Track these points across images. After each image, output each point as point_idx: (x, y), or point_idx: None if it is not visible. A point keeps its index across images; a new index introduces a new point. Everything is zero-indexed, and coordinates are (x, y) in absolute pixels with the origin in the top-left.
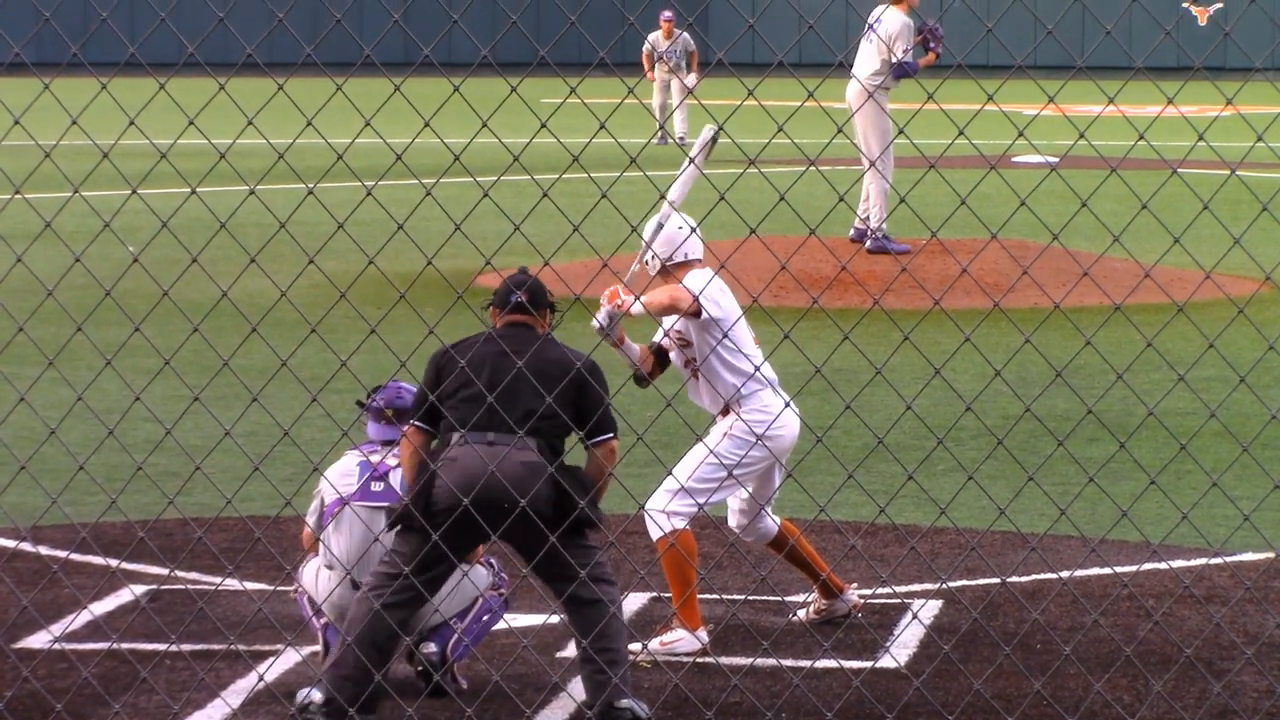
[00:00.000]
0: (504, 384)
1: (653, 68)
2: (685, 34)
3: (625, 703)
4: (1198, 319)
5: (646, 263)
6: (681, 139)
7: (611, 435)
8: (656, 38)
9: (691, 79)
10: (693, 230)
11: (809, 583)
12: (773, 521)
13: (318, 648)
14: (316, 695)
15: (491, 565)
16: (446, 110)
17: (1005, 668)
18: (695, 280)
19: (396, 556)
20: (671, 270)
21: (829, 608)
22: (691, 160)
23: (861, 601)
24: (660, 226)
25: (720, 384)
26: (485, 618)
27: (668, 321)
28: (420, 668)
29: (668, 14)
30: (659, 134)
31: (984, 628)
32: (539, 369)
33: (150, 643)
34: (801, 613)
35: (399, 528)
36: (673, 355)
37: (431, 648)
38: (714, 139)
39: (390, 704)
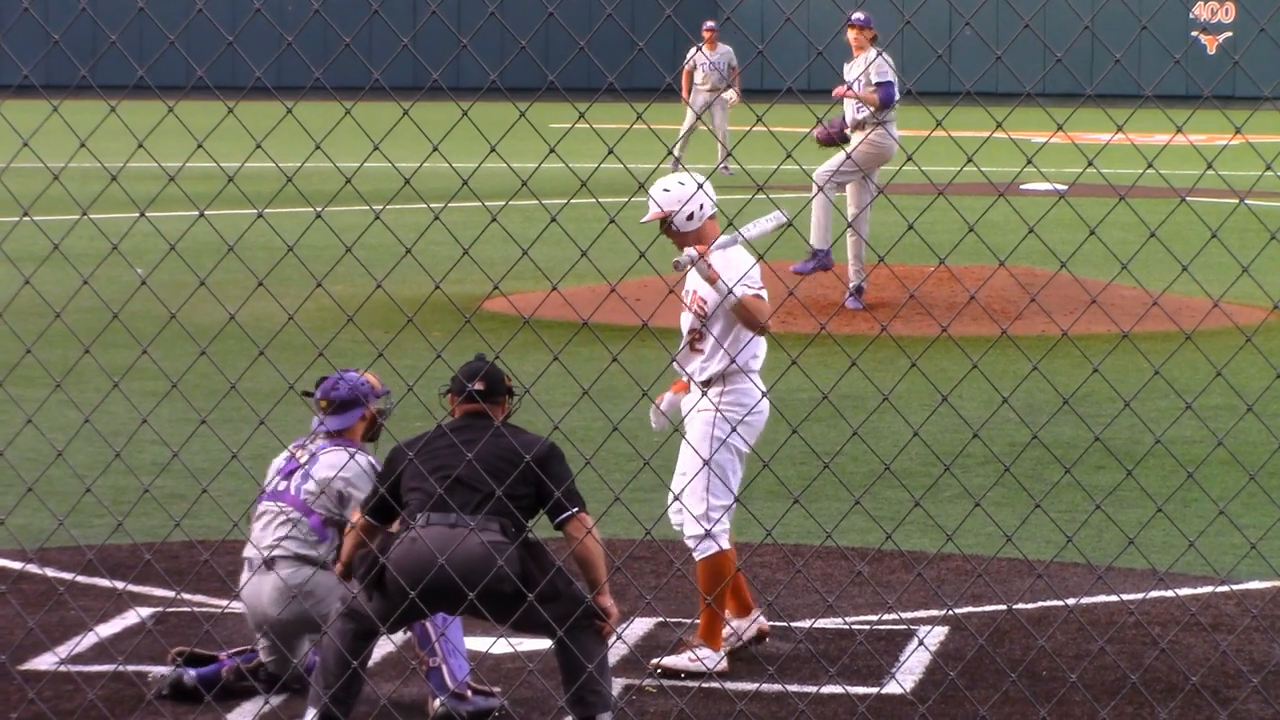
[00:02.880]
0: (464, 469)
1: (690, 89)
2: (729, 48)
3: None
4: (1205, 347)
5: (693, 216)
6: (726, 169)
7: (577, 509)
8: (699, 52)
9: (732, 94)
10: (699, 187)
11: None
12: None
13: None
14: (310, 718)
15: None
16: (455, 135)
17: (1011, 695)
18: (738, 264)
19: (361, 603)
20: (706, 225)
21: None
22: (739, 233)
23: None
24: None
25: (720, 358)
26: (448, 629)
27: (703, 290)
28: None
29: (710, 24)
30: (673, 160)
31: (990, 654)
32: (498, 455)
33: (156, 665)
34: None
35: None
36: (684, 317)
37: (445, 703)
38: (782, 225)
39: None
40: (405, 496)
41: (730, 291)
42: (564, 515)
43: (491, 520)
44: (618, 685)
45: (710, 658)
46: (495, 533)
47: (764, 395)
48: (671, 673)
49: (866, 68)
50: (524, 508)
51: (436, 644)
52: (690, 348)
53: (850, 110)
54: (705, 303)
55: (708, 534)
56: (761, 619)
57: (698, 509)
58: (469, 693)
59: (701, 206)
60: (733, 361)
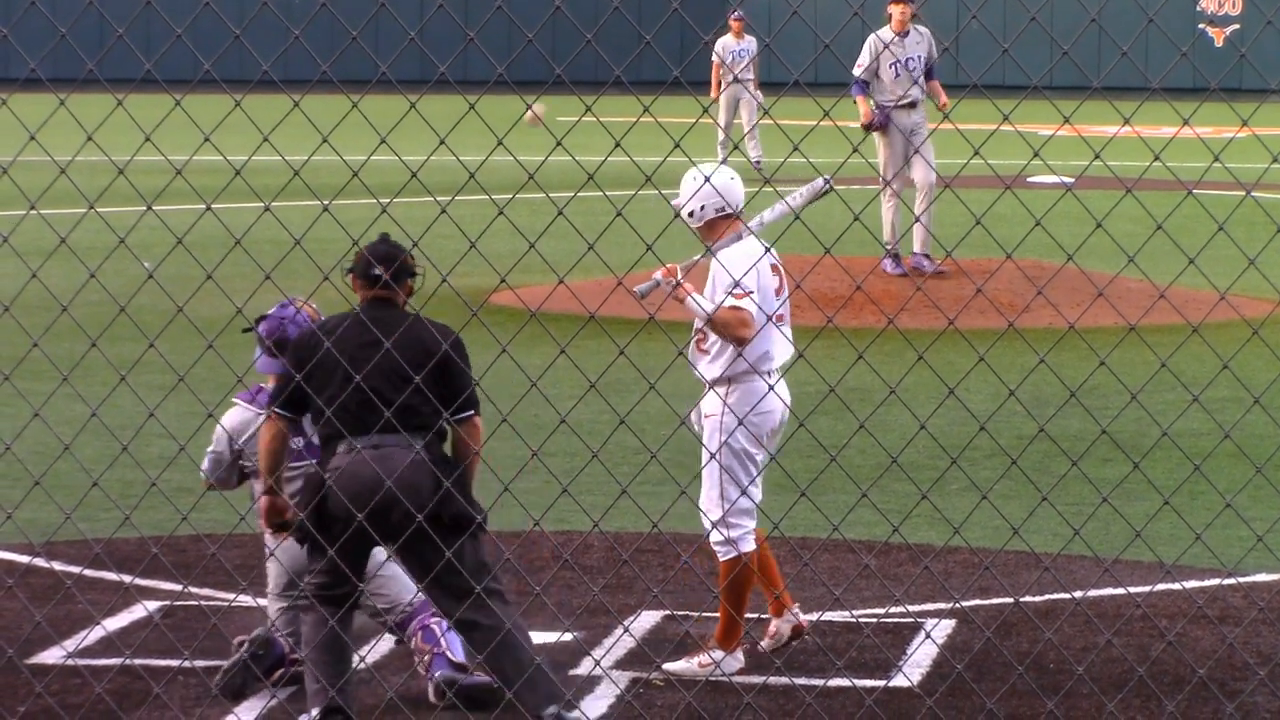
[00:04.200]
0: (379, 383)
1: (719, 84)
2: (753, 39)
3: (549, 711)
4: (1212, 340)
5: (693, 214)
6: (757, 163)
7: (473, 413)
8: (727, 40)
9: (759, 95)
10: (705, 185)
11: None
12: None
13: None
14: (315, 715)
15: None
16: (462, 128)
17: (1018, 688)
18: (736, 261)
19: (313, 567)
20: (715, 224)
21: (776, 630)
22: (789, 205)
23: (805, 621)
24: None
25: (723, 361)
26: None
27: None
28: (446, 695)
29: (738, 13)
30: (727, 156)
31: (997, 647)
32: (409, 359)
33: (164, 658)
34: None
35: (306, 542)
36: (697, 321)
37: (443, 673)
38: (824, 191)
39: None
40: (316, 405)
41: (736, 289)
42: (462, 415)
43: (415, 437)
44: (625, 679)
45: (726, 662)
46: (418, 447)
47: (770, 389)
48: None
49: (931, 50)
50: (436, 408)
51: (439, 633)
52: (696, 347)
53: (916, 92)
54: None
55: (728, 540)
56: (799, 614)
57: (715, 515)
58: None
59: (702, 207)
60: (734, 348)
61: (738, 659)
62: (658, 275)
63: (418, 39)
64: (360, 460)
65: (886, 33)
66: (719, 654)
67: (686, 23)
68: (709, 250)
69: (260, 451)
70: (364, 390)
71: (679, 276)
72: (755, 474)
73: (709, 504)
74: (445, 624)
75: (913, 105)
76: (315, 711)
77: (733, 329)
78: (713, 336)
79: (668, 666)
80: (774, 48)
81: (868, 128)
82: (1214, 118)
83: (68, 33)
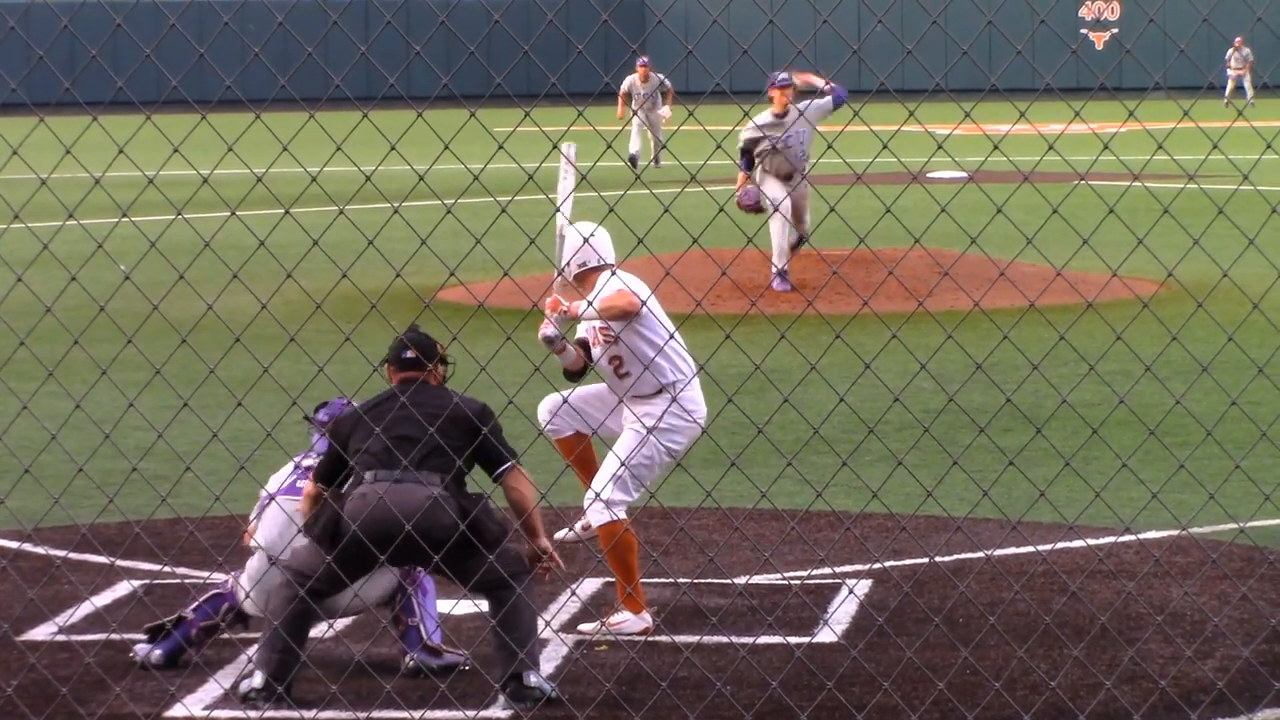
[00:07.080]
0: (406, 429)
1: (627, 105)
2: (662, 76)
3: (534, 680)
4: (1102, 317)
5: (563, 270)
6: (654, 161)
7: (513, 463)
8: (634, 81)
9: (665, 110)
10: (588, 238)
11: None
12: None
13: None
14: (257, 681)
15: None
16: (405, 141)
17: (933, 640)
18: (619, 281)
19: (307, 562)
20: (587, 275)
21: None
22: (563, 194)
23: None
24: (563, 238)
25: (653, 370)
26: (424, 595)
27: (596, 321)
28: (422, 674)
29: (644, 59)
30: (654, 159)
31: (913, 603)
32: (434, 415)
33: (138, 636)
34: (567, 532)
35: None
36: (596, 351)
37: (417, 658)
38: (570, 158)
39: (363, 681)
40: (353, 459)
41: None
42: (503, 467)
43: (433, 474)
44: (570, 640)
45: (630, 622)
46: (436, 485)
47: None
48: (601, 636)
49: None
50: (463, 461)
51: (418, 606)
52: (616, 374)
53: (795, 165)
54: (608, 328)
55: (607, 505)
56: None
57: (602, 484)
58: (441, 648)
59: (569, 264)
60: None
61: (644, 619)
62: (549, 313)
63: (368, 55)
64: (379, 489)
65: (766, 115)
66: (623, 615)
67: (609, 40)
68: (589, 303)
69: (304, 511)
70: (393, 434)
71: (562, 301)
72: (655, 475)
73: (605, 474)
74: (428, 595)
75: (788, 177)
76: (259, 677)
77: (616, 302)
78: (627, 361)
79: (582, 627)
80: (696, 55)
81: (741, 204)
82: (1096, 115)
83: (44, 55)
